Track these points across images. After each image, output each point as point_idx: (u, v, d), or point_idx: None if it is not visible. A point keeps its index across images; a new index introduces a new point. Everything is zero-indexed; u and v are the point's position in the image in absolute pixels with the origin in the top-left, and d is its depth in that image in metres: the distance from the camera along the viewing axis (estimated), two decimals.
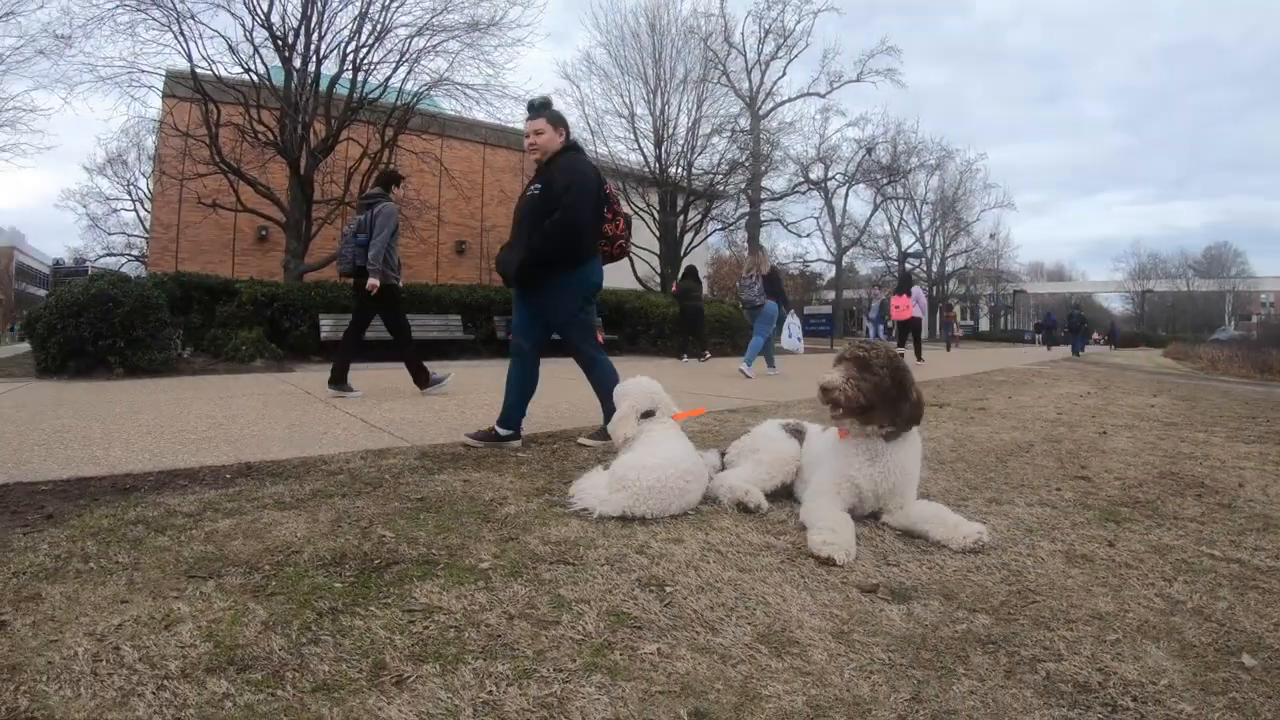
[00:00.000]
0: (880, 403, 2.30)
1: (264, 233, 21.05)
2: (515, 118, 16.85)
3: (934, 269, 44.91)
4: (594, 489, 2.54)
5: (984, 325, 53.96)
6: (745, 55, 29.35)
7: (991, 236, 48.39)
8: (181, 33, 13.27)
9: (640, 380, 2.96)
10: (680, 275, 14.37)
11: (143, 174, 36.29)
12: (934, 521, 2.31)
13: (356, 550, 2.07)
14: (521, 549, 2.13)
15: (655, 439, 2.74)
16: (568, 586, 1.85)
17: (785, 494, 2.78)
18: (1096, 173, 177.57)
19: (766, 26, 29.19)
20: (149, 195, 33.18)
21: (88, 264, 33.52)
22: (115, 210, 39.18)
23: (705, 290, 16.33)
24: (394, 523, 2.35)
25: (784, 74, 30.18)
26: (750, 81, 29.34)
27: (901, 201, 42.19)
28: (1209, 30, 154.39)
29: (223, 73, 14.08)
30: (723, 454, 3.06)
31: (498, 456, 3.47)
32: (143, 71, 13.54)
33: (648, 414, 2.86)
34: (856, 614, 1.74)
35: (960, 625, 1.69)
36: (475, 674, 1.40)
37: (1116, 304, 71.67)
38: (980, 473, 3.39)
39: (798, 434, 2.90)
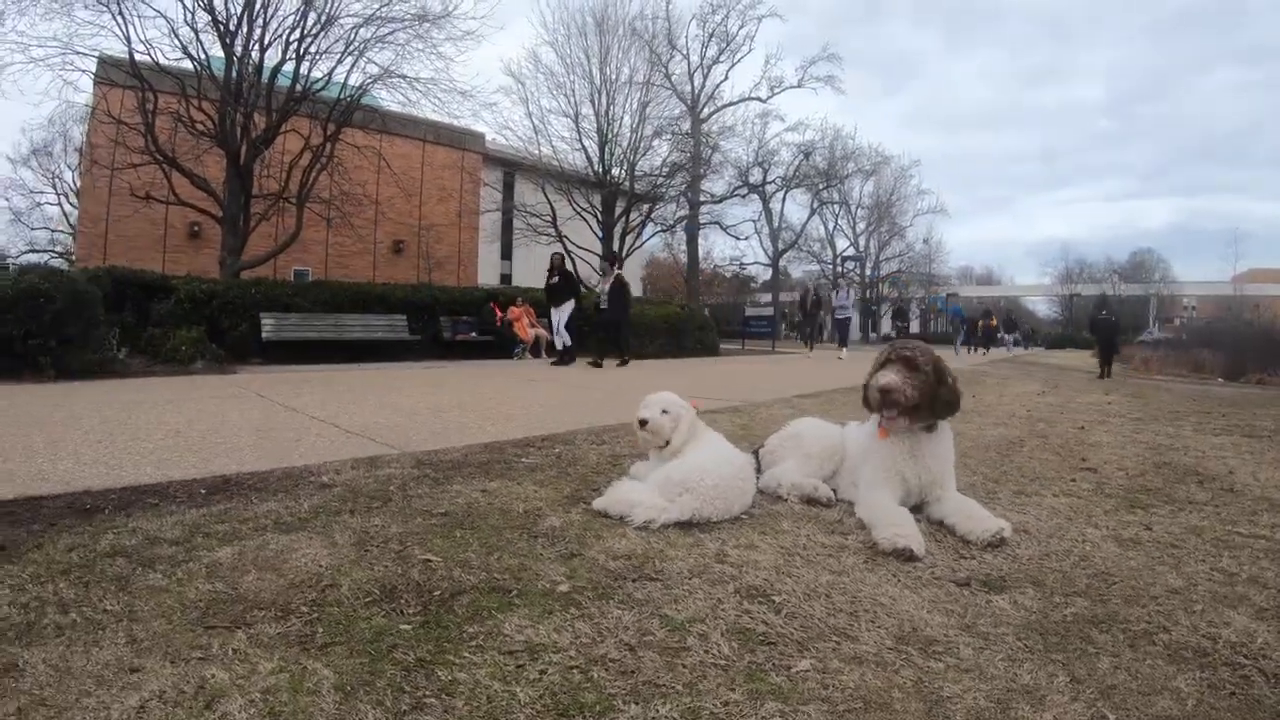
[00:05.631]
0: (926, 398, 2.37)
1: (197, 229, 20.17)
2: (464, 112, 16.48)
3: (868, 272, 45.97)
4: (642, 499, 2.33)
5: (914, 328, 55.33)
6: (689, 59, 29.29)
7: (925, 241, 49.89)
8: (120, 13, 12.53)
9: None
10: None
11: (68, 166, 34.75)
12: (959, 515, 2.35)
13: (403, 579, 1.76)
14: (591, 567, 1.92)
15: (701, 442, 2.63)
16: (669, 606, 1.66)
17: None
18: (1069, 166, 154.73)
19: (710, 30, 29.19)
20: (74, 189, 31.72)
21: (9, 260, 31.61)
22: (39, 204, 37.20)
23: (639, 291, 16.00)
24: (430, 543, 2.04)
25: (726, 78, 30.15)
26: (693, 85, 29.20)
27: (838, 206, 43.00)
28: None
29: (161, 58, 13.32)
30: (755, 452, 3.00)
31: (504, 464, 3.25)
32: (76, 54, 12.68)
33: None
34: (969, 607, 1.73)
35: (1066, 609, 1.72)
36: None
37: (1043, 308, 74.45)
38: (992, 467, 3.46)
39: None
